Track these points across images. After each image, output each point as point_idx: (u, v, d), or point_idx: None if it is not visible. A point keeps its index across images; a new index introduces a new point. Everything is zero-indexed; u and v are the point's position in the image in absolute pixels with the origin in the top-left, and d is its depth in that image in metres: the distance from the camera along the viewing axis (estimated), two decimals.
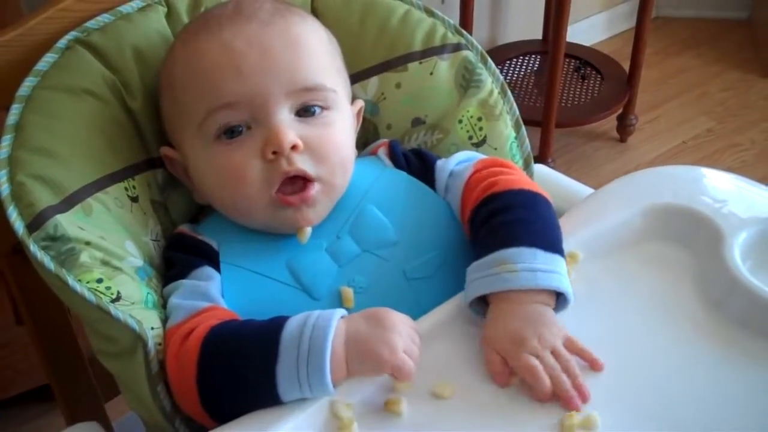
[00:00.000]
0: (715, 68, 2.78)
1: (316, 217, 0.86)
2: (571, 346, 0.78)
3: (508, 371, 0.78)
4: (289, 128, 0.82)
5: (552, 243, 0.82)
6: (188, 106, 0.84)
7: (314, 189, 0.84)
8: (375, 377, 0.77)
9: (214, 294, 0.83)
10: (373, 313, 0.77)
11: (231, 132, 0.83)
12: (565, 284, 0.80)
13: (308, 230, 0.86)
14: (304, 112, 0.84)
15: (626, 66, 2.41)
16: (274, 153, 0.82)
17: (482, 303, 0.82)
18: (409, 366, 0.74)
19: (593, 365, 0.78)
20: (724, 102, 2.64)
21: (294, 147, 0.82)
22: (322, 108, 0.85)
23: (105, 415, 1.04)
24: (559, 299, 0.81)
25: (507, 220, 0.84)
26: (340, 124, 0.87)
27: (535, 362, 0.76)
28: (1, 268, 1.42)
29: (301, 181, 0.83)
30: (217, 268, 0.85)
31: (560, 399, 0.76)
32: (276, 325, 0.75)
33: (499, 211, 0.85)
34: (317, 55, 0.86)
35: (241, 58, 0.82)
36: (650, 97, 2.63)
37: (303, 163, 0.83)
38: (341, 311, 0.77)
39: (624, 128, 2.46)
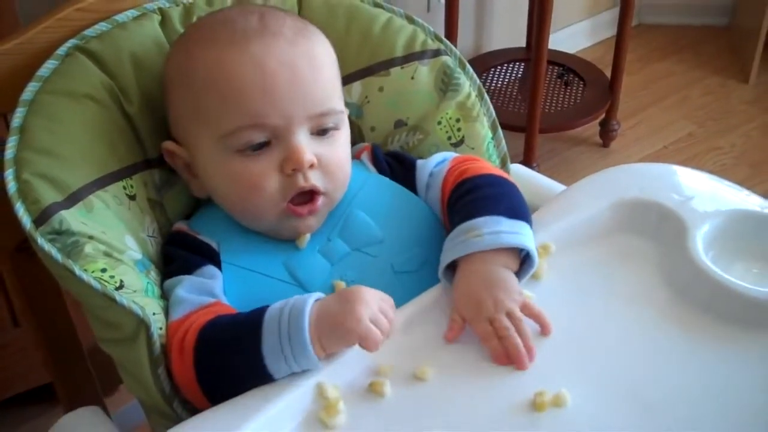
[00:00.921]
0: (695, 74, 2.84)
1: (316, 224, 0.92)
2: (527, 310, 0.84)
3: (462, 331, 0.85)
4: (308, 147, 0.88)
5: (516, 211, 0.89)
6: (211, 114, 0.88)
7: (320, 201, 0.90)
8: (356, 354, 0.81)
9: (218, 292, 0.88)
10: (344, 291, 0.83)
11: (255, 147, 0.87)
12: (528, 243, 0.87)
13: (307, 237, 0.92)
14: (319, 130, 0.90)
15: (609, 73, 2.46)
16: (294, 170, 0.87)
17: (454, 273, 0.88)
18: (374, 334, 0.79)
19: (544, 329, 0.84)
20: (704, 107, 2.70)
21: (311, 165, 0.88)
22: (334, 129, 0.91)
23: (104, 405, 1.08)
24: (525, 264, 0.88)
25: (474, 197, 0.91)
26: (345, 141, 0.93)
27: (488, 328, 0.83)
28: (1, 269, 1.46)
29: (309, 193, 0.90)
30: (218, 266, 0.90)
31: (510, 358, 0.82)
32: (260, 310, 0.81)
33: (468, 191, 0.92)
34: (332, 76, 0.92)
35: (271, 80, 0.86)
36: (632, 103, 2.69)
37: (316, 179, 0.89)
38: (317, 294, 0.82)
39: (607, 133, 2.51)
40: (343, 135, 0.93)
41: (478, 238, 0.86)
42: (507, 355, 0.82)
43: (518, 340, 0.82)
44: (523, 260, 0.88)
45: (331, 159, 0.90)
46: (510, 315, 0.84)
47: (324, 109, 0.89)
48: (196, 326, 0.82)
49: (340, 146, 0.92)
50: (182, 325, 0.83)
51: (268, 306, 0.81)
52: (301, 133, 0.88)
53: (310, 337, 0.78)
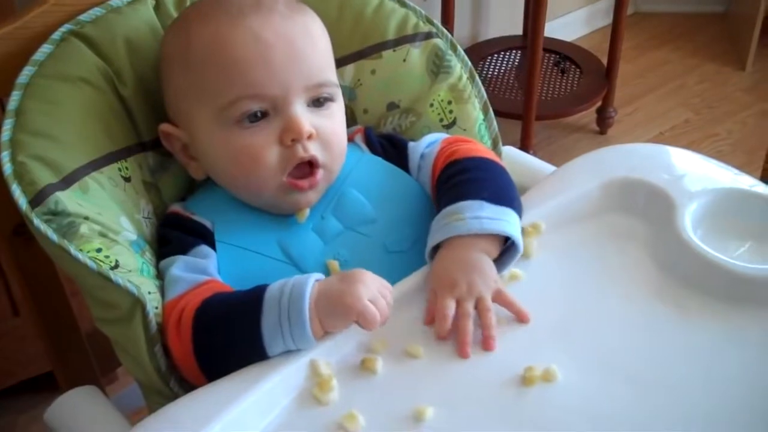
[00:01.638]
0: (692, 61, 2.84)
1: (315, 198, 0.93)
2: (499, 298, 0.85)
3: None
4: (306, 118, 0.89)
5: (500, 197, 0.90)
6: (210, 88, 0.89)
7: (320, 174, 0.91)
8: (349, 332, 0.82)
9: (212, 270, 0.89)
10: (344, 273, 0.84)
11: (254, 116, 0.89)
12: (510, 229, 0.87)
13: (307, 211, 0.93)
14: (315, 102, 0.91)
15: (605, 61, 2.47)
16: (293, 140, 0.88)
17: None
18: (371, 312, 0.80)
19: (520, 317, 0.85)
20: (701, 94, 2.70)
21: (309, 136, 0.89)
22: (329, 100, 0.92)
23: (103, 388, 1.09)
24: (510, 249, 0.89)
25: (460, 180, 0.92)
26: (340, 115, 0.94)
27: (450, 306, 0.84)
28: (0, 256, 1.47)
29: (308, 166, 0.91)
30: (213, 246, 0.91)
31: (457, 340, 0.83)
32: (259, 289, 0.82)
33: (455, 174, 0.93)
34: (326, 50, 0.93)
35: (270, 51, 0.87)
36: (629, 90, 2.69)
37: (315, 150, 0.90)
38: (317, 274, 0.83)
39: (603, 120, 2.52)
40: (339, 108, 0.94)
41: (460, 222, 0.88)
42: (453, 337, 0.83)
43: (470, 326, 0.83)
44: (508, 247, 0.89)
45: (329, 130, 0.91)
46: (480, 301, 0.85)
47: (320, 80, 0.90)
48: (194, 303, 0.83)
49: (336, 118, 0.93)
50: (179, 303, 0.85)
51: (266, 285, 0.82)
52: (298, 104, 0.89)
53: (309, 316, 0.79)
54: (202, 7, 0.93)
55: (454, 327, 0.84)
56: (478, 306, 0.85)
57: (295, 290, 0.80)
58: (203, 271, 0.88)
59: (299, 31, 0.90)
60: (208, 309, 0.83)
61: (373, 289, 0.81)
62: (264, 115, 0.89)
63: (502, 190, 0.92)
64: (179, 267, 0.88)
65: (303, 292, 0.80)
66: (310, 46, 0.90)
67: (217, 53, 0.88)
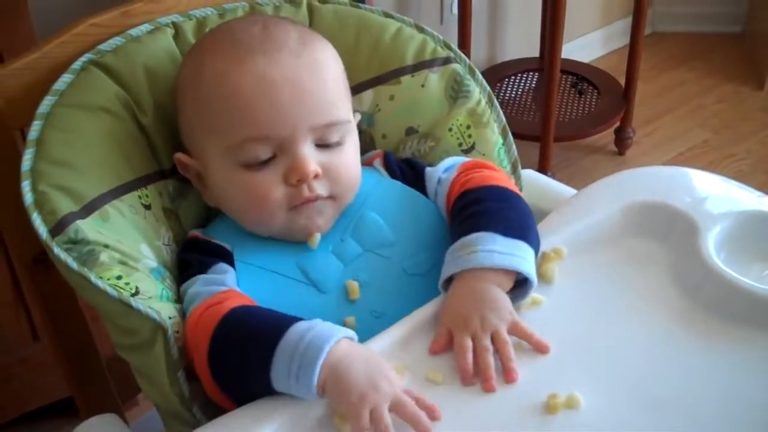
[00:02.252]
0: (709, 81, 2.83)
1: (324, 224, 0.93)
2: (515, 330, 0.84)
3: (449, 345, 0.84)
4: (312, 159, 0.89)
5: (513, 229, 0.89)
6: (218, 127, 0.89)
7: (320, 201, 0.91)
8: None
9: (231, 283, 0.89)
10: (374, 360, 0.79)
11: (262, 162, 0.89)
12: (523, 266, 0.86)
13: (317, 236, 0.93)
14: (323, 140, 0.91)
15: (623, 81, 2.47)
16: (298, 181, 0.89)
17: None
18: (362, 427, 0.75)
19: (538, 347, 0.84)
20: (719, 114, 2.69)
21: (315, 175, 0.89)
22: (339, 141, 0.92)
23: (123, 415, 1.10)
24: (524, 284, 0.88)
25: (474, 211, 0.91)
26: (352, 148, 0.94)
27: (467, 344, 0.82)
28: (19, 283, 1.48)
29: (313, 202, 0.91)
30: (232, 265, 0.91)
31: (480, 375, 0.81)
32: (280, 327, 0.79)
33: (469, 204, 0.92)
34: (337, 86, 0.93)
35: (276, 91, 0.87)
36: (647, 111, 2.69)
37: (321, 189, 0.90)
38: (347, 332, 0.80)
39: (622, 141, 2.51)
40: (350, 142, 0.94)
41: (473, 254, 0.86)
42: (477, 373, 0.81)
43: (490, 360, 0.82)
44: (522, 281, 0.88)
45: (337, 166, 0.91)
46: (495, 335, 0.83)
47: (328, 120, 0.90)
48: (220, 310, 0.82)
49: (346, 154, 0.93)
50: (198, 310, 0.84)
51: (290, 320, 0.80)
52: (305, 144, 0.89)
53: (318, 379, 0.76)
54: (216, 36, 0.93)
55: (475, 365, 0.82)
56: (495, 340, 0.83)
57: (313, 343, 0.77)
58: (222, 284, 0.88)
59: (306, 70, 0.89)
60: (231, 322, 0.81)
61: (384, 401, 0.76)
62: (273, 155, 0.89)
63: (516, 222, 0.90)
64: (198, 284, 0.88)
65: (320, 348, 0.77)
66: (318, 86, 0.89)
67: (224, 91, 0.88)
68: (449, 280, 0.88)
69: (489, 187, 0.95)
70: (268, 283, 0.91)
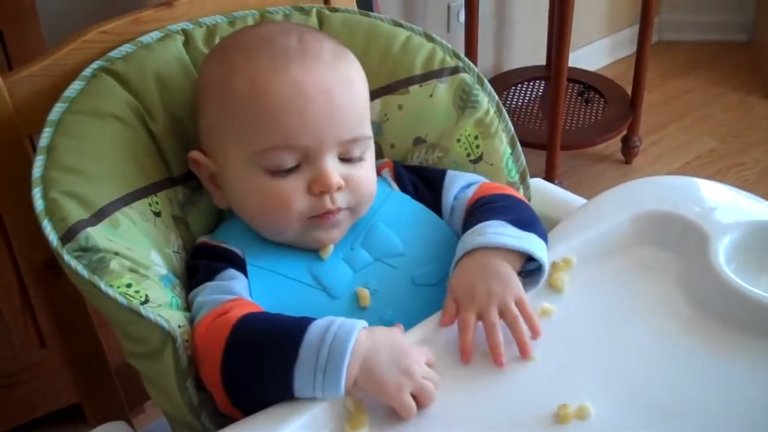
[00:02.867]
0: (716, 90, 2.83)
1: (339, 236, 0.93)
2: (521, 307, 0.85)
3: (455, 317, 0.85)
4: (336, 171, 0.89)
5: (526, 224, 0.90)
6: (245, 131, 0.89)
7: (341, 214, 0.92)
8: None
9: (239, 290, 0.88)
10: (396, 343, 0.81)
11: (286, 171, 0.89)
12: (531, 248, 0.87)
13: (330, 247, 0.93)
14: (347, 153, 0.91)
15: (629, 90, 2.47)
16: (321, 192, 0.89)
17: None
18: (409, 407, 0.78)
19: (533, 331, 0.85)
20: (726, 123, 2.69)
21: (339, 187, 0.89)
22: (361, 156, 0.92)
23: (131, 423, 1.09)
24: (535, 274, 0.89)
25: (487, 208, 0.93)
26: (371, 162, 0.95)
27: (471, 321, 0.83)
28: (26, 289, 1.48)
29: (333, 213, 0.91)
30: (243, 271, 0.91)
31: (490, 352, 0.83)
32: (300, 327, 0.79)
33: (482, 204, 0.94)
34: (365, 102, 0.93)
35: (309, 103, 0.87)
36: (654, 120, 2.68)
37: (342, 201, 0.91)
38: (362, 322, 0.81)
39: (628, 150, 2.51)
40: (369, 158, 0.94)
41: (482, 236, 0.88)
42: (490, 348, 0.83)
43: (499, 338, 0.83)
44: (532, 271, 0.90)
45: (358, 180, 0.92)
46: (504, 309, 0.84)
47: (355, 135, 0.90)
48: (231, 318, 0.81)
49: (366, 168, 0.93)
50: (206, 320, 0.83)
51: (307, 320, 0.80)
52: (330, 156, 0.89)
53: (346, 375, 0.78)
54: (245, 41, 0.92)
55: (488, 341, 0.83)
56: (503, 314, 0.84)
57: (337, 343, 0.78)
58: (227, 291, 0.87)
59: (340, 83, 0.89)
60: (245, 330, 0.81)
61: (417, 378, 0.79)
62: (297, 164, 0.89)
63: (527, 220, 0.92)
64: (205, 293, 0.88)
65: (345, 349, 0.78)
66: (349, 98, 0.90)
67: (256, 97, 0.88)
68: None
69: (503, 194, 0.97)
70: (280, 286, 0.91)
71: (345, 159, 0.91)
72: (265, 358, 0.79)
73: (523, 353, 0.83)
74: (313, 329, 0.79)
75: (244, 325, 0.81)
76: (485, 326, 0.84)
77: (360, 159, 0.92)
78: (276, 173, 0.89)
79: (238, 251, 0.93)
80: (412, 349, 0.81)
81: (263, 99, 0.87)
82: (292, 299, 0.85)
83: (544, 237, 0.92)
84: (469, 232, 0.90)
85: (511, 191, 1.00)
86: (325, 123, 0.88)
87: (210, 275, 0.90)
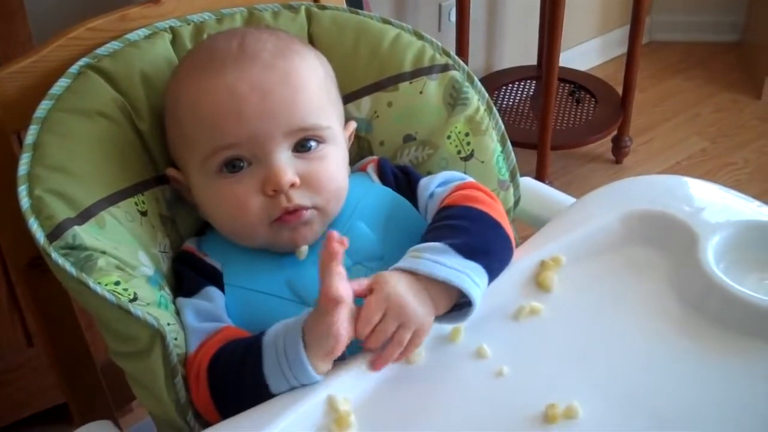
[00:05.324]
0: (707, 90, 2.84)
1: (311, 235, 0.92)
2: (414, 337, 0.82)
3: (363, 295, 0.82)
4: (288, 167, 0.88)
5: (473, 251, 0.86)
6: (192, 141, 0.90)
7: (307, 214, 0.90)
8: (364, 367, 0.82)
9: (222, 314, 0.89)
10: (317, 314, 0.81)
11: (232, 166, 0.88)
12: (463, 281, 0.83)
13: (305, 249, 0.91)
14: (301, 147, 0.90)
15: (620, 90, 2.47)
16: (274, 191, 0.88)
17: None
18: (341, 335, 0.78)
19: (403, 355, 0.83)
20: (716, 123, 2.69)
21: (292, 185, 0.88)
22: (318, 142, 0.91)
23: (116, 421, 1.09)
24: (468, 307, 0.85)
25: (441, 225, 0.90)
26: (334, 156, 0.93)
27: (374, 318, 0.80)
28: (13, 287, 1.47)
29: (295, 211, 0.89)
30: (222, 288, 0.91)
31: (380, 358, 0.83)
32: (258, 335, 0.82)
33: (443, 217, 0.91)
34: (315, 95, 0.92)
35: (242, 102, 0.87)
36: (645, 120, 2.69)
37: (300, 198, 0.89)
38: (311, 310, 0.82)
39: (619, 150, 2.52)
40: (332, 150, 0.92)
41: (416, 259, 0.84)
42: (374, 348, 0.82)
43: (382, 341, 0.81)
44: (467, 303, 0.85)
45: (318, 175, 0.90)
46: (401, 327, 0.82)
47: (303, 125, 0.89)
48: (207, 357, 0.84)
49: (327, 161, 0.91)
50: (196, 357, 0.85)
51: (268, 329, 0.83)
52: (279, 151, 0.88)
53: (306, 354, 0.79)
54: (194, 55, 0.94)
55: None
56: (395, 333, 0.82)
57: (289, 329, 0.80)
58: (216, 317, 0.88)
59: (278, 80, 0.88)
60: (218, 361, 0.83)
61: (324, 308, 0.79)
62: (248, 164, 0.88)
63: (477, 246, 0.87)
64: (192, 315, 0.88)
65: (296, 330, 0.80)
66: (291, 94, 0.89)
67: (198, 106, 0.89)
68: None
69: (467, 207, 0.92)
70: (257, 305, 0.90)
71: (301, 153, 0.90)
72: (238, 374, 0.81)
73: (375, 365, 0.82)
74: (271, 328, 0.82)
75: (216, 360, 0.83)
76: (377, 328, 0.81)
77: (318, 151, 0.91)
78: (225, 173, 0.89)
79: (218, 266, 0.92)
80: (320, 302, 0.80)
81: (202, 107, 0.88)
82: (269, 315, 0.84)
83: (497, 265, 0.89)
84: (411, 249, 0.87)
85: (484, 202, 0.93)
86: (263, 119, 0.87)
87: (193, 290, 0.90)
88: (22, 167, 0.86)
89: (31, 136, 0.88)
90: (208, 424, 0.81)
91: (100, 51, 0.95)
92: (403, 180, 1.00)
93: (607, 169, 2.53)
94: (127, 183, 0.91)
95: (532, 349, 0.85)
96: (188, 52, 0.97)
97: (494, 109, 1.06)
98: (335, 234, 0.80)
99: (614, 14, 2.94)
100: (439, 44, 1.07)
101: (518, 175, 1.07)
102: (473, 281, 0.84)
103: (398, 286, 0.82)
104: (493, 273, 0.88)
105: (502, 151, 1.06)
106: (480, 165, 1.04)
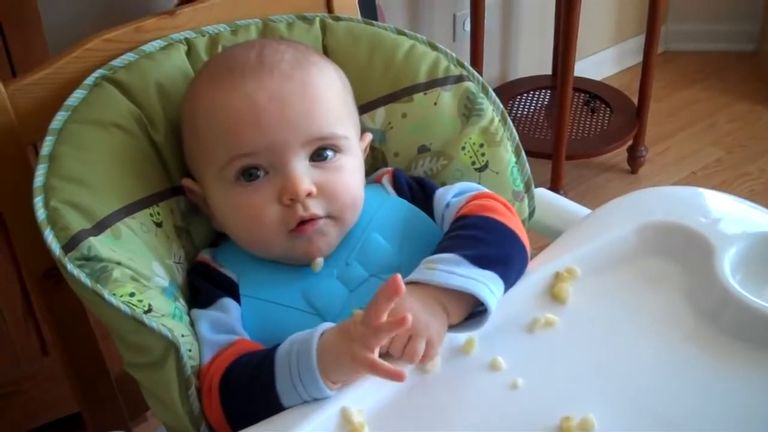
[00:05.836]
0: (722, 100, 2.83)
1: (326, 246, 0.92)
2: (427, 347, 0.82)
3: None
4: (305, 176, 0.88)
5: (485, 260, 0.86)
6: (210, 150, 0.90)
7: (321, 222, 0.90)
8: (378, 379, 0.80)
9: (236, 325, 0.89)
10: (340, 326, 0.81)
11: (249, 174, 0.89)
12: (481, 290, 0.84)
13: (320, 261, 0.91)
14: (318, 157, 0.90)
15: (635, 99, 2.46)
16: (291, 200, 0.88)
17: None
18: (371, 363, 0.77)
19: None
20: (732, 133, 2.68)
21: (309, 194, 0.88)
22: (335, 152, 0.91)
23: (130, 431, 1.09)
24: (483, 315, 0.85)
25: (455, 234, 0.90)
26: (351, 167, 0.93)
27: (391, 329, 0.78)
28: (29, 296, 1.48)
29: (310, 222, 0.89)
30: (237, 299, 0.91)
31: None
32: (272, 349, 0.82)
33: (457, 227, 0.91)
34: (332, 105, 0.92)
35: (261, 112, 0.87)
36: (660, 129, 2.68)
37: (316, 207, 0.89)
38: (326, 325, 0.82)
39: (634, 160, 2.51)
40: (349, 160, 0.93)
41: (431, 271, 0.85)
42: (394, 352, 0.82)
43: (399, 349, 0.81)
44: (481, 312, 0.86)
45: (334, 185, 0.90)
46: (412, 338, 0.82)
47: (321, 134, 0.89)
48: (220, 370, 0.84)
49: (344, 172, 0.92)
50: (209, 369, 0.85)
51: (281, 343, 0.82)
52: (296, 161, 0.88)
53: (319, 371, 0.78)
54: (212, 66, 0.94)
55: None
56: (408, 342, 0.82)
57: (303, 346, 0.80)
58: (230, 329, 0.88)
59: (296, 92, 0.89)
60: (230, 377, 0.83)
61: (358, 333, 0.78)
62: (265, 173, 0.89)
63: (492, 256, 0.87)
64: (206, 326, 0.88)
65: (310, 345, 0.79)
66: (308, 105, 0.89)
67: (215, 116, 0.89)
68: None
69: (484, 216, 0.92)
70: (273, 316, 0.90)
71: (318, 162, 0.90)
72: (250, 389, 0.81)
73: (394, 377, 0.80)
74: (284, 343, 0.82)
75: (228, 374, 0.83)
76: (395, 339, 0.81)
77: (335, 162, 0.91)
78: (241, 182, 0.89)
79: (233, 277, 0.93)
80: (351, 322, 0.80)
81: (220, 116, 0.88)
82: (284, 327, 0.84)
83: (512, 274, 0.89)
84: (425, 260, 0.87)
85: (500, 212, 0.94)
86: (281, 129, 0.87)
87: (209, 301, 0.90)
88: (38, 178, 0.87)
89: (47, 147, 0.89)
90: None
91: (115, 62, 0.96)
92: (418, 191, 1.00)
93: (622, 179, 2.52)
94: (143, 194, 0.91)
95: (546, 361, 0.85)
96: (206, 63, 0.97)
97: (509, 119, 1.06)
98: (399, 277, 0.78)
99: (629, 24, 2.93)
100: (454, 55, 1.07)
101: (533, 186, 1.07)
102: (489, 289, 0.85)
103: (408, 299, 0.82)
104: (508, 282, 0.88)
105: (516, 162, 1.05)
106: (494, 176, 1.04)
